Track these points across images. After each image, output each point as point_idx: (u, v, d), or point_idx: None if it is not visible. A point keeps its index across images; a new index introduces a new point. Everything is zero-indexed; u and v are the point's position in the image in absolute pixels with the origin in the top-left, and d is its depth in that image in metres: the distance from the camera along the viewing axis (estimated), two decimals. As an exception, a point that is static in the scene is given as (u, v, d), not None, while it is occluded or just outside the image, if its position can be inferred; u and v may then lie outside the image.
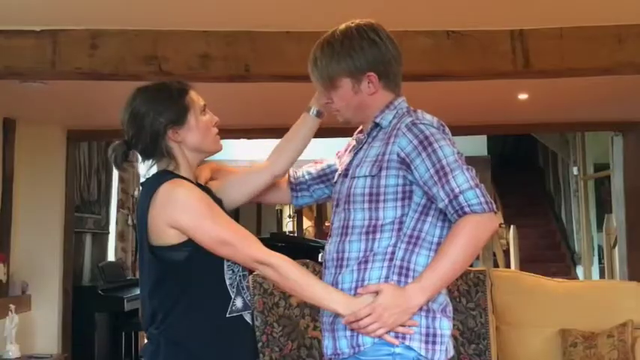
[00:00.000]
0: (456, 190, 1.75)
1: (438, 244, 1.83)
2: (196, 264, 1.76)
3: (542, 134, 9.80)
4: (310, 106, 2.07)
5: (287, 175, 2.16)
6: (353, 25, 1.93)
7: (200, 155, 1.90)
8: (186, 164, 1.86)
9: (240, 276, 1.83)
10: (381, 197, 1.83)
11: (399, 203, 1.82)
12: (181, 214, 1.74)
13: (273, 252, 1.81)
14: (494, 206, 1.78)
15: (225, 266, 1.80)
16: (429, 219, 1.83)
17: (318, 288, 1.80)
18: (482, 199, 1.75)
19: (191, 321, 1.76)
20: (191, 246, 1.75)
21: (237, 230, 1.80)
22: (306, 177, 2.16)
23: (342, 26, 1.94)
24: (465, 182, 1.76)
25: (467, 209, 1.74)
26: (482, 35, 3.39)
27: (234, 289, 1.80)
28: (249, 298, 1.85)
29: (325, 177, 2.14)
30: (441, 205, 1.78)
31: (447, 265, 1.76)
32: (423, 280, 1.75)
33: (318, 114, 2.06)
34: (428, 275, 1.76)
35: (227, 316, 1.79)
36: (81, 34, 3.32)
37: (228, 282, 1.80)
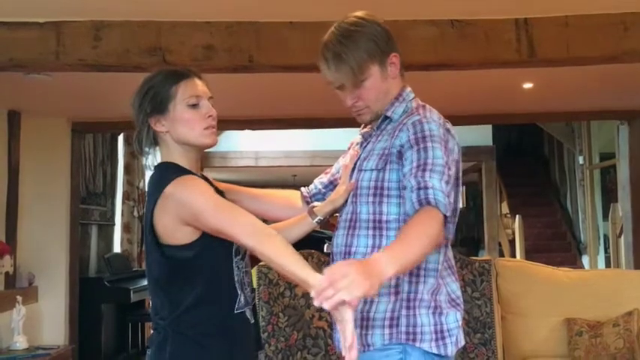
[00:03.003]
0: (429, 184, 1.69)
1: (445, 242, 1.82)
2: (206, 262, 1.75)
3: (547, 123, 9.78)
4: (316, 214, 2.01)
5: (300, 194, 2.14)
6: (353, 16, 1.89)
7: (190, 147, 1.84)
8: (179, 154, 1.84)
9: (243, 272, 1.82)
10: (385, 192, 1.81)
11: (401, 200, 1.79)
12: (184, 212, 1.72)
13: (257, 230, 1.68)
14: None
15: (234, 263, 1.80)
16: None
17: (294, 266, 1.63)
18: (447, 205, 1.69)
19: (200, 316, 1.76)
20: (201, 244, 1.74)
21: (234, 216, 1.72)
22: (319, 187, 2.13)
23: (347, 19, 1.88)
24: (438, 185, 1.70)
25: (432, 201, 1.68)
26: (487, 24, 3.38)
27: (239, 286, 1.80)
28: (249, 294, 1.84)
29: (337, 181, 2.09)
30: (407, 190, 1.72)
31: (418, 250, 1.63)
32: (392, 249, 1.61)
33: (319, 222, 2.02)
34: (397, 246, 1.62)
35: (235, 312, 1.79)
36: (85, 26, 3.32)
37: (235, 279, 1.80)
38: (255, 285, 3.41)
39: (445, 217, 1.68)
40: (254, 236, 1.66)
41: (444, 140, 1.79)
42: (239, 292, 1.80)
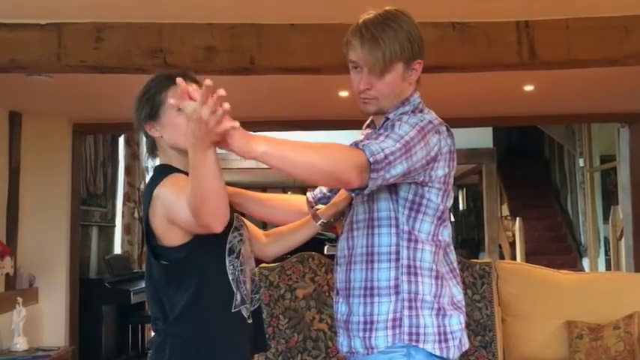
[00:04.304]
0: (372, 139, 1.68)
1: (436, 241, 1.82)
2: (198, 263, 1.77)
3: (548, 126, 9.77)
4: (320, 216, 2.01)
5: (306, 200, 2.14)
6: (396, 9, 1.86)
7: (184, 152, 1.78)
8: (175, 159, 1.85)
9: (238, 270, 1.83)
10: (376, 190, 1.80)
11: (388, 195, 1.80)
12: (166, 211, 1.73)
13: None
14: (375, 167, 1.63)
15: (227, 261, 1.80)
16: (420, 216, 1.81)
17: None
18: (376, 154, 1.62)
19: (195, 317, 1.76)
20: (192, 245, 1.75)
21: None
22: (324, 190, 2.12)
23: (391, 10, 1.85)
24: (382, 143, 1.65)
25: (360, 145, 1.66)
26: (488, 26, 3.38)
27: (235, 284, 1.80)
28: (245, 292, 1.84)
29: None
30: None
31: (303, 155, 1.59)
32: (276, 138, 1.59)
33: (323, 224, 2.01)
34: (283, 140, 1.60)
35: (232, 311, 1.79)
36: (86, 27, 3.32)
37: (230, 277, 1.80)
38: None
39: (370, 163, 1.61)
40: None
41: (421, 128, 1.75)
42: (235, 290, 1.80)
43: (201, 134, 1.46)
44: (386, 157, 1.64)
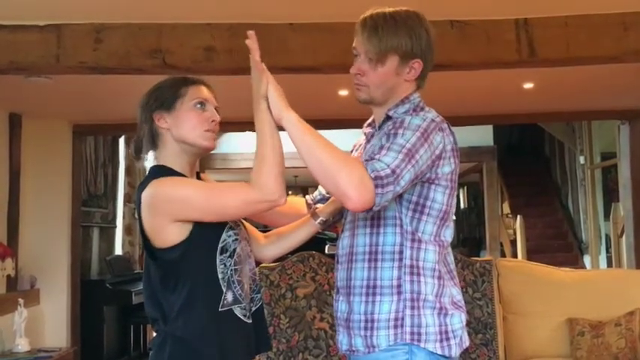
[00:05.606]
0: (375, 156, 1.70)
1: (439, 241, 1.83)
2: (191, 262, 1.77)
3: (548, 123, 9.77)
4: (319, 214, 2.02)
5: (305, 202, 2.14)
6: (411, 10, 1.91)
7: (189, 148, 1.87)
8: (176, 155, 1.87)
9: (231, 270, 1.82)
10: None
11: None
12: (171, 207, 1.75)
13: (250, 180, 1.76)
14: (375, 193, 1.64)
15: (218, 261, 1.80)
16: (424, 217, 1.81)
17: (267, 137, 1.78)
18: (379, 171, 1.65)
19: (189, 317, 1.77)
20: (186, 245, 1.76)
21: (218, 191, 1.79)
22: (323, 192, 2.12)
23: (409, 9, 1.91)
24: (385, 159, 1.68)
25: (364, 163, 1.68)
26: (487, 24, 3.38)
27: (225, 284, 1.80)
28: (239, 292, 1.84)
29: None
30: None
31: (316, 143, 1.70)
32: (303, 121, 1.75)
33: (322, 223, 2.02)
34: (307, 124, 1.74)
35: (219, 310, 1.79)
36: (85, 28, 3.33)
37: (220, 276, 1.80)
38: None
39: (372, 180, 1.63)
40: (249, 184, 1.74)
41: (424, 129, 1.76)
42: (224, 289, 1.80)
43: (255, 86, 1.78)
44: (393, 171, 1.66)
